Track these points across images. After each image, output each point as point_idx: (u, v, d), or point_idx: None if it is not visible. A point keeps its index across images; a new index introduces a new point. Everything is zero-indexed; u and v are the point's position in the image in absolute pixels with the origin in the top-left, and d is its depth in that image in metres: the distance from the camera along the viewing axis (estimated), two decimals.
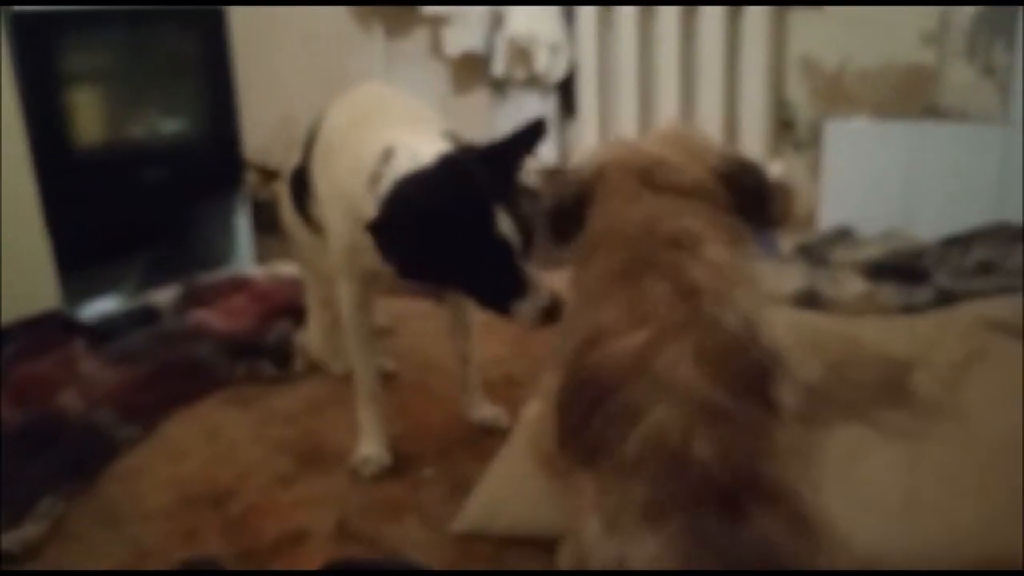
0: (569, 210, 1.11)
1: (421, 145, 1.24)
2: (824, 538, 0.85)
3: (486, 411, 1.62)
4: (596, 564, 0.87)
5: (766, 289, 1.10)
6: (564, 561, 0.96)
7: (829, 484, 1.20)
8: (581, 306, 1.04)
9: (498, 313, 1.21)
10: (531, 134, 1.25)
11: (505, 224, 1.17)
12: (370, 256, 1.34)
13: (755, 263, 1.08)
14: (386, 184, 1.21)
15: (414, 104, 1.48)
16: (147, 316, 2.12)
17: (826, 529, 0.87)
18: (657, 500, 0.83)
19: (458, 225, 1.17)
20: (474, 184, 1.19)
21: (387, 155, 1.23)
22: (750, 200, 1.08)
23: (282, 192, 1.79)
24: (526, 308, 1.17)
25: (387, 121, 1.35)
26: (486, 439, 1.55)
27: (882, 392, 1.44)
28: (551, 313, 1.16)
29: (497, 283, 1.18)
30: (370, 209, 1.23)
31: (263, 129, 2.92)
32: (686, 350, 0.90)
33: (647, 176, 1.05)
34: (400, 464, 1.49)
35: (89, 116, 2.23)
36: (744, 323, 0.94)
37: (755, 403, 0.91)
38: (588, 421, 0.91)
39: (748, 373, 0.92)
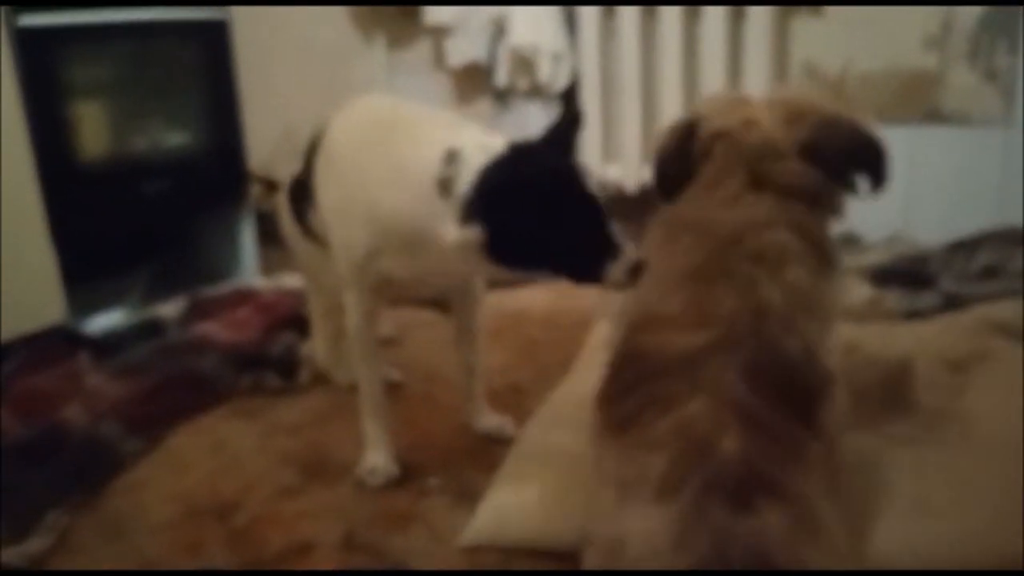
0: (673, 164, 1.13)
1: (484, 140, 1.24)
2: (832, 547, 0.86)
3: (492, 420, 1.62)
4: (598, 545, 0.90)
5: (841, 313, 1.10)
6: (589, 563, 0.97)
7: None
8: (650, 286, 1.07)
9: (589, 280, 1.20)
10: (570, 120, 1.28)
11: (594, 185, 1.20)
12: (389, 261, 1.34)
13: (838, 287, 1.08)
14: (465, 182, 1.19)
15: (432, 110, 1.47)
16: (152, 329, 2.12)
17: (841, 542, 0.88)
18: (672, 478, 0.86)
19: (557, 190, 1.18)
20: (555, 156, 1.22)
21: (452, 157, 1.22)
22: (845, 164, 1.06)
23: (281, 203, 1.79)
24: (618, 268, 1.17)
25: (421, 130, 1.33)
26: (492, 448, 1.55)
27: (886, 402, 1.44)
28: (636, 272, 1.16)
29: (592, 247, 1.18)
30: (437, 216, 1.22)
31: (266, 141, 2.93)
32: (737, 362, 0.93)
33: (753, 168, 1.04)
34: (406, 474, 1.49)
35: (93, 128, 2.23)
36: (803, 349, 0.96)
37: (793, 420, 0.94)
38: (627, 396, 0.95)
39: (793, 394, 0.94)
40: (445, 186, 1.21)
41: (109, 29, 2.18)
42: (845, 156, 1.06)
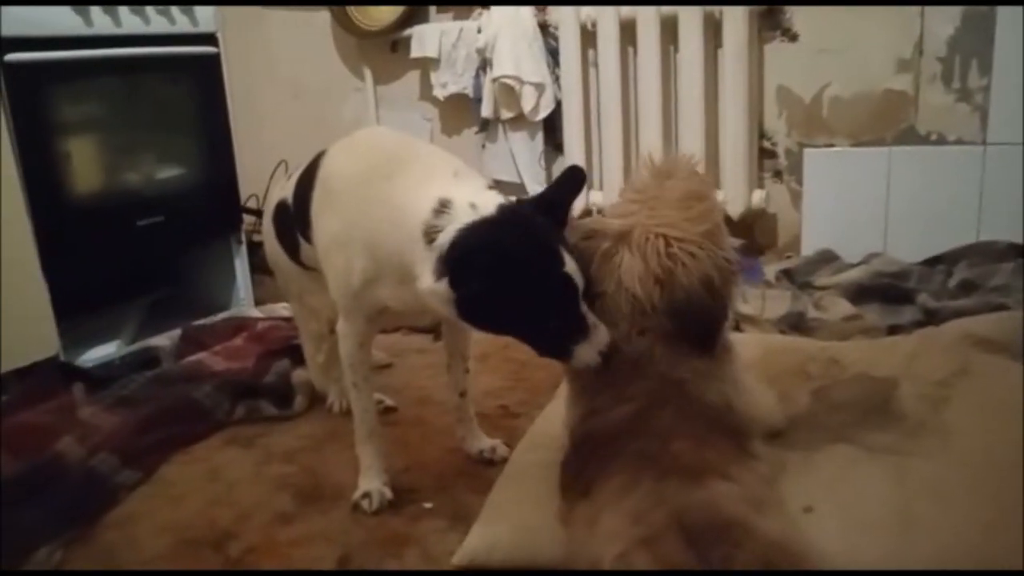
0: None
1: (477, 196, 1.24)
2: (776, 518, 0.96)
3: (484, 443, 1.64)
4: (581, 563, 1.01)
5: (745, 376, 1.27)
6: None
7: (822, 503, 1.24)
8: (578, 393, 1.23)
9: (558, 357, 1.21)
10: (573, 181, 1.27)
11: (571, 265, 1.18)
12: (384, 291, 1.36)
13: (734, 363, 1.23)
14: (448, 236, 1.19)
15: (434, 150, 1.46)
16: (146, 360, 2.14)
17: (784, 520, 0.99)
18: (630, 480, 1.00)
19: (529, 267, 1.16)
20: (539, 228, 1.20)
21: (442, 207, 1.22)
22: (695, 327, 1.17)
23: (266, 227, 1.81)
24: (586, 351, 1.17)
25: (423, 172, 1.32)
26: (485, 471, 1.57)
27: (867, 414, 1.47)
28: (609, 357, 1.17)
29: (560, 326, 1.18)
30: (420, 262, 1.22)
31: (259, 176, 2.97)
32: (668, 412, 1.09)
33: (632, 322, 1.17)
34: (400, 498, 1.50)
35: (85, 164, 2.24)
36: (724, 402, 1.13)
37: (731, 445, 1.08)
38: (585, 469, 1.09)
39: (725, 431, 1.10)
40: (430, 235, 1.21)
41: (98, 64, 2.19)
42: (694, 323, 1.17)
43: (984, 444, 1.33)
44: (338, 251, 1.41)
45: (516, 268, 1.16)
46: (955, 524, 1.17)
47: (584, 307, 1.18)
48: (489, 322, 1.24)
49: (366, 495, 1.49)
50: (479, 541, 1.32)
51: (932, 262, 2.36)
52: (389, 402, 1.88)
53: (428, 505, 1.49)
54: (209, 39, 2.46)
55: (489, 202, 1.22)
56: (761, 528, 0.92)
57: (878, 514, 1.21)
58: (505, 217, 1.21)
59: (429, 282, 1.21)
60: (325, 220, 1.45)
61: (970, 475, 1.26)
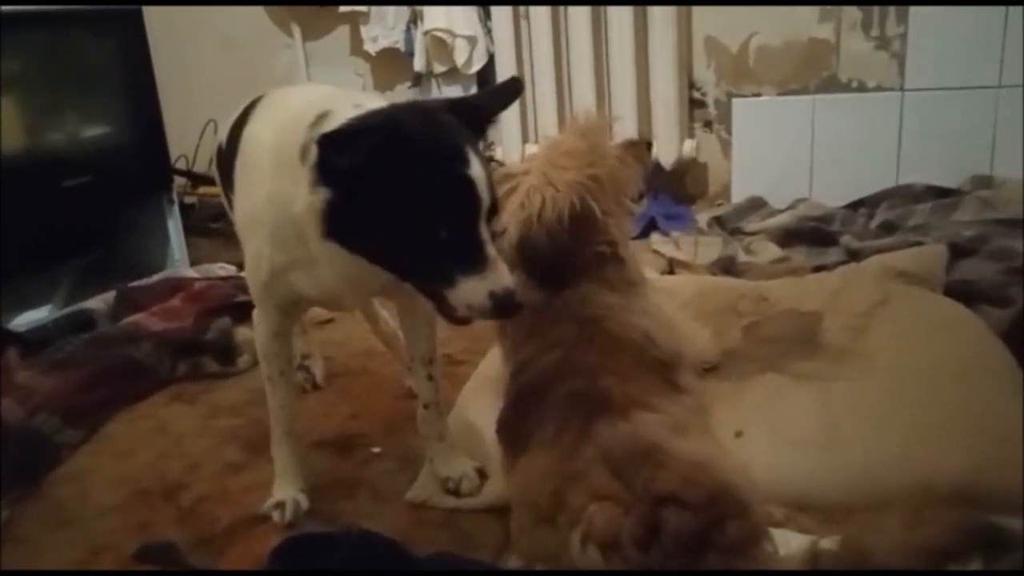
0: None
1: (367, 101, 1.05)
2: (700, 442, 1.02)
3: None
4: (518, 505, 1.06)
5: (665, 311, 1.33)
6: (515, 526, 1.08)
7: (752, 427, 1.32)
8: (509, 351, 1.27)
9: (438, 296, 1.00)
10: (505, 90, 1.16)
11: (477, 170, 0.96)
12: (294, 276, 1.18)
13: (647, 296, 1.29)
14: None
15: (347, 91, 1.24)
16: (81, 323, 2.09)
17: (710, 443, 1.05)
18: (562, 423, 1.05)
19: (419, 156, 0.94)
20: (442, 123, 0.99)
21: (319, 120, 1.02)
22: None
23: (214, 172, 1.75)
24: (474, 287, 0.96)
25: (313, 102, 1.09)
26: None
27: (795, 346, 1.54)
28: (505, 306, 0.96)
29: (450, 245, 0.95)
30: (301, 190, 1.01)
31: (188, 136, 2.91)
32: (593, 350, 1.13)
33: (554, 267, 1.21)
34: (349, 444, 1.53)
35: (7, 124, 2.15)
36: (644, 335, 1.18)
37: (656, 379, 1.13)
38: (523, 426, 1.13)
39: (649, 364, 1.15)
40: (305, 150, 1.00)
41: (16, 19, 2.10)
42: (531, 254, 1.21)
43: (901, 365, 1.42)
44: (251, 233, 1.20)
45: (401, 155, 0.93)
46: (875, 437, 1.25)
47: (485, 232, 0.97)
48: (362, 239, 1.00)
49: (279, 505, 1.32)
50: (432, 478, 1.36)
51: (855, 205, 2.46)
52: (319, 378, 1.78)
53: (376, 449, 1.51)
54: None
55: (378, 104, 1.03)
56: (680, 448, 0.96)
57: (805, 432, 1.29)
58: (398, 109, 1.01)
59: (301, 200, 1.00)
60: (242, 194, 1.22)
61: (889, 393, 1.35)
